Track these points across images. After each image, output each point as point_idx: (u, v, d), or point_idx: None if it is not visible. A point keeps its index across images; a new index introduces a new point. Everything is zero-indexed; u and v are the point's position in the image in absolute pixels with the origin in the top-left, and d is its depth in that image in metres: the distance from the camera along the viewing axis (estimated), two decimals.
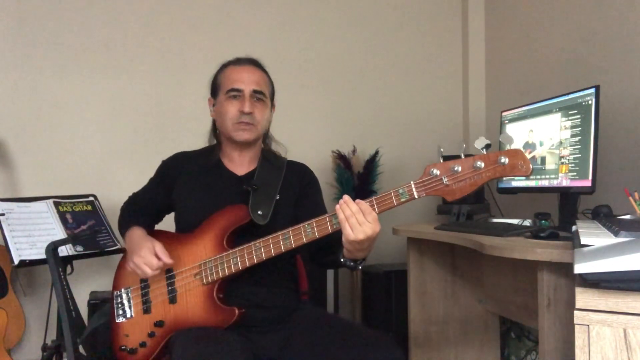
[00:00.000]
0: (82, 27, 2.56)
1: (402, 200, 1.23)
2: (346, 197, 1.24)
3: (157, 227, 1.68)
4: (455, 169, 1.19)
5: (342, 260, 1.35)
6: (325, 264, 1.67)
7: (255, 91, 1.53)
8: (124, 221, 1.63)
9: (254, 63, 1.60)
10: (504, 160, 1.16)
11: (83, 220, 2.20)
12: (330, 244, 1.40)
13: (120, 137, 2.61)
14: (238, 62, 1.60)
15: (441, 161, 1.23)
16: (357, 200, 1.24)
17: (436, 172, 1.21)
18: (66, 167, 2.53)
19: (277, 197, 1.53)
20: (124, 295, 1.54)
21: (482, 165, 1.17)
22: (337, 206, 1.24)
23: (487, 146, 1.19)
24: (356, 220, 1.21)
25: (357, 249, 1.27)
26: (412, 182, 1.23)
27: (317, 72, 2.88)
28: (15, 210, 2.06)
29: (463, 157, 1.20)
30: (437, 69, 3.07)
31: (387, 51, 3.01)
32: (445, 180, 1.20)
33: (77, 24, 2.56)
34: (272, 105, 1.64)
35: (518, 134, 2.07)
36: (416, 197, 1.22)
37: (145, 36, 2.65)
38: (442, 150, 1.34)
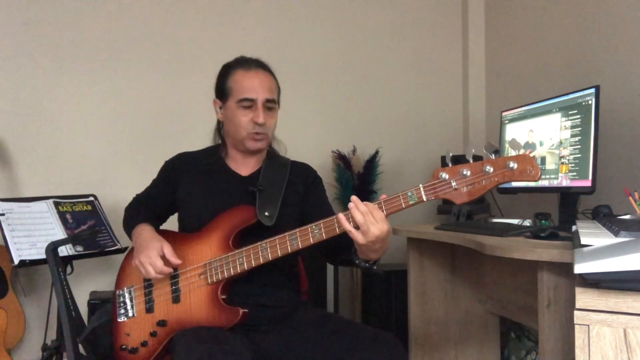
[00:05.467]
0: (83, 27, 2.56)
1: (411, 203, 1.24)
2: (355, 199, 1.24)
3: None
4: (464, 173, 1.19)
5: (356, 262, 1.35)
6: (338, 263, 1.66)
7: (268, 100, 1.52)
8: (131, 220, 1.61)
9: (262, 67, 1.56)
10: (513, 165, 1.16)
11: (83, 220, 2.20)
12: (342, 244, 1.39)
13: (120, 137, 2.61)
14: (247, 65, 1.55)
15: (450, 165, 1.23)
16: (364, 203, 1.24)
17: (445, 175, 1.21)
18: (66, 167, 2.53)
19: (281, 198, 1.53)
20: (127, 295, 1.54)
21: (491, 169, 1.18)
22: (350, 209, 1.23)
23: (496, 151, 1.20)
24: (366, 222, 1.21)
25: (369, 249, 1.27)
26: (420, 185, 1.23)
27: (317, 72, 2.89)
28: (15, 210, 2.06)
29: (471, 161, 1.21)
30: (437, 68, 3.07)
31: (387, 51, 3.01)
32: (454, 184, 1.20)
33: (77, 24, 2.56)
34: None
35: (518, 134, 2.07)
36: (425, 200, 1.22)
37: (145, 36, 2.65)
38: (450, 154, 1.34)
